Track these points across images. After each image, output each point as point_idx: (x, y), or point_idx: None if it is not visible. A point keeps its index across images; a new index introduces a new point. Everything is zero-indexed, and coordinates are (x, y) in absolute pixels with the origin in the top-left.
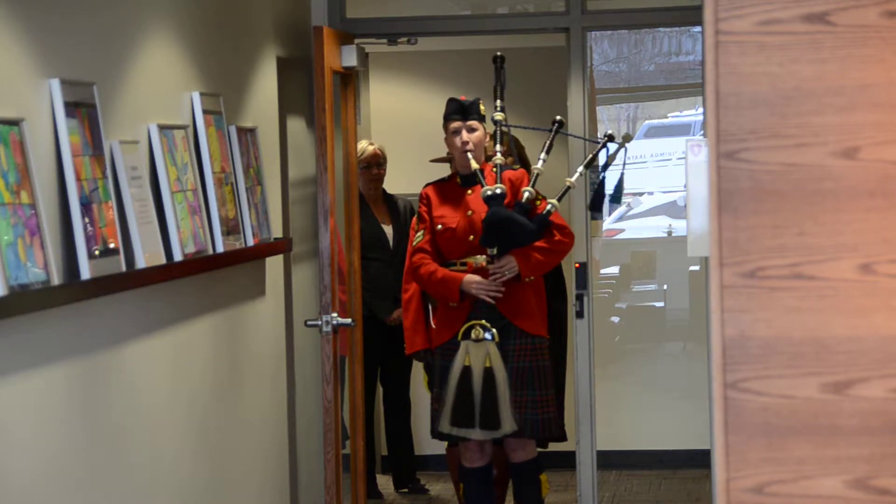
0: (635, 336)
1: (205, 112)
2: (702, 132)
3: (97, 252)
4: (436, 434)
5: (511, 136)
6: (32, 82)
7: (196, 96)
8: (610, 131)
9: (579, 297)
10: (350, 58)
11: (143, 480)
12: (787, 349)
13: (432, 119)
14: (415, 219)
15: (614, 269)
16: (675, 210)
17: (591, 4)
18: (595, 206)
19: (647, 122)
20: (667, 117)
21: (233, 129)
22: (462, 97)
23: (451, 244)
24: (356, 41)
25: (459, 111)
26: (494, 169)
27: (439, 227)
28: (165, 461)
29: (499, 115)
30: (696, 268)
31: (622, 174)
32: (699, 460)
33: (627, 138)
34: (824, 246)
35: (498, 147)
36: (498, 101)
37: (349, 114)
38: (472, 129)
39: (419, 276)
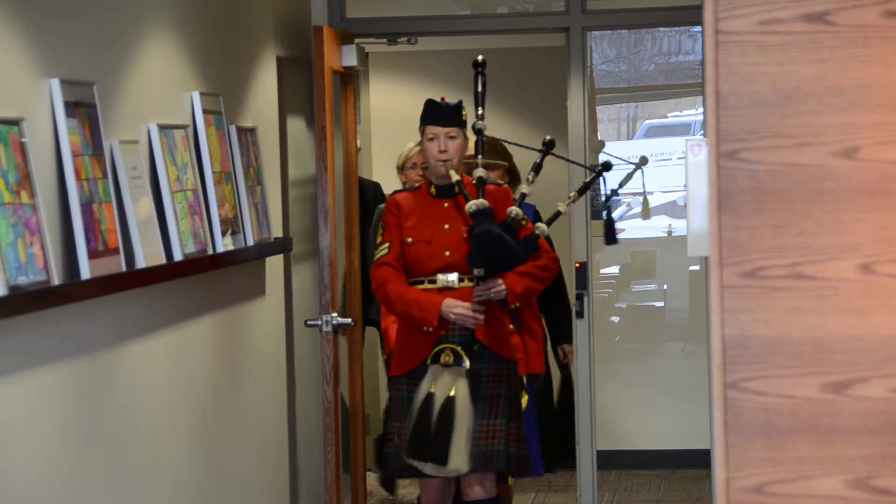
0: (635, 336)
1: (205, 112)
2: (702, 132)
3: (97, 252)
4: (390, 472)
5: (500, 142)
6: (32, 82)
7: (196, 96)
8: (606, 160)
9: (579, 297)
10: (350, 57)
11: (144, 480)
12: (787, 349)
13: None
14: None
15: (614, 269)
16: (675, 210)
17: (591, 4)
18: (610, 238)
19: (647, 121)
20: (667, 117)
21: (233, 129)
22: (442, 97)
23: (423, 259)
24: (356, 41)
25: (438, 115)
26: (475, 182)
27: (410, 239)
28: (165, 461)
29: (480, 124)
30: (697, 268)
31: (610, 216)
32: (699, 460)
33: (644, 161)
34: (824, 246)
35: (479, 159)
36: (479, 109)
37: (349, 113)
38: (451, 137)
39: (386, 295)
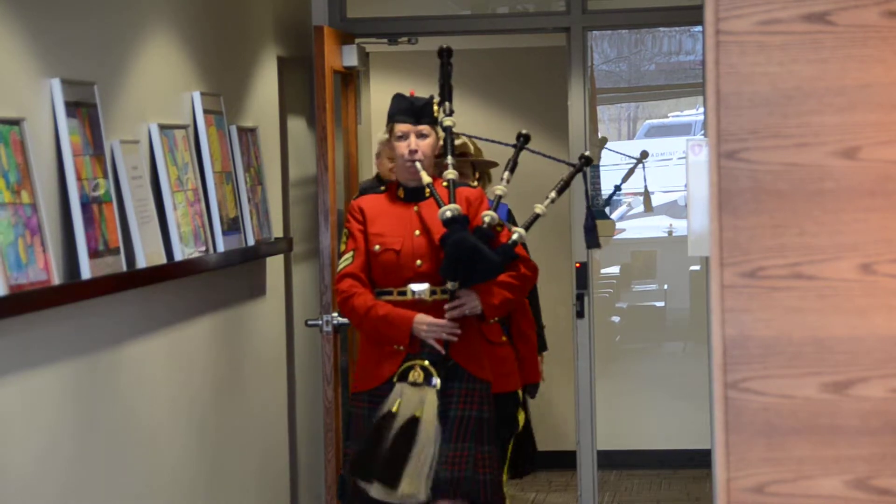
0: (636, 336)
1: (205, 112)
2: (702, 132)
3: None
4: (345, 499)
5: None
6: (33, 82)
7: (197, 96)
8: (587, 152)
9: (580, 297)
10: (351, 57)
11: (144, 479)
12: (788, 349)
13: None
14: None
15: (615, 269)
16: (675, 210)
17: (592, 4)
18: (591, 240)
19: (647, 121)
20: (667, 117)
21: (233, 129)
22: (412, 92)
23: (391, 269)
24: (357, 41)
25: (408, 112)
26: (446, 184)
27: (377, 247)
28: (165, 460)
29: (448, 121)
30: (697, 267)
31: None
32: (699, 460)
33: (645, 155)
34: (824, 246)
35: (449, 159)
36: (446, 104)
37: (350, 113)
38: (422, 135)
39: (352, 309)
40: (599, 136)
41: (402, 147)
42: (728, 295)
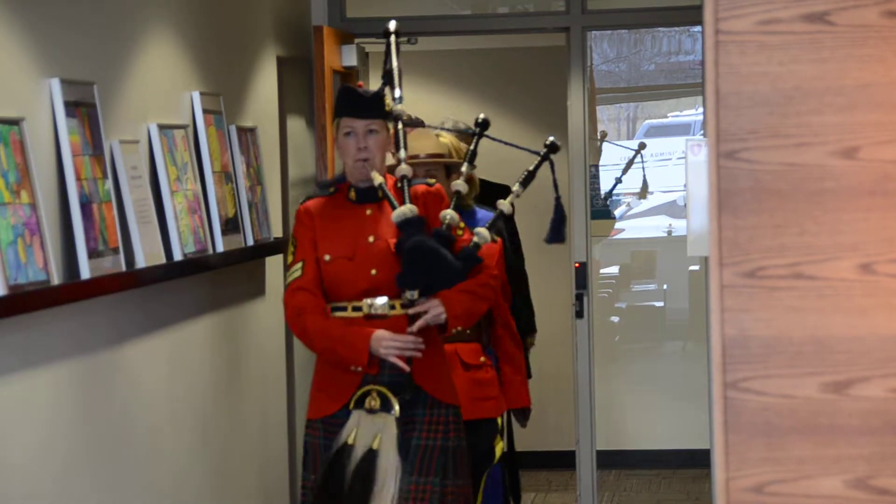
0: (635, 336)
1: (205, 111)
2: (702, 132)
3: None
4: None
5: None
6: (32, 82)
7: (196, 96)
8: (552, 138)
9: (579, 297)
10: (350, 57)
11: (143, 478)
12: (788, 349)
13: (433, 119)
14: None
15: (614, 269)
16: (674, 210)
17: (592, 4)
18: (556, 235)
19: (647, 121)
20: (667, 117)
21: (233, 129)
22: (360, 84)
23: (344, 280)
24: (356, 41)
25: (356, 105)
26: (399, 184)
27: (327, 257)
28: (165, 460)
29: (398, 109)
30: (696, 267)
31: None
32: (699, 460)
33: (643, 146)
34: (824, 245)
35: (401, 153)
36: (397, 90)
37: None
38: (372, 131)
39: (304, 329)
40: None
41: (350, 145)
42: (728, 295)
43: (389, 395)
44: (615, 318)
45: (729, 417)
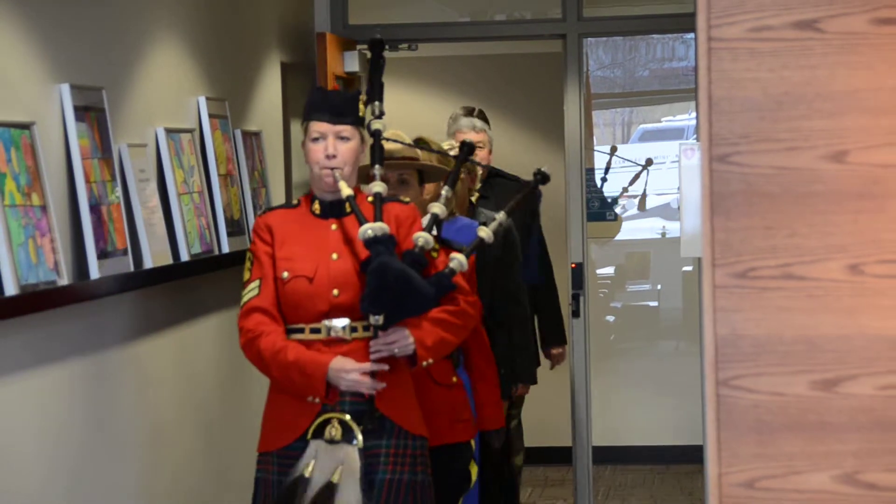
0: (630, 335)
1: (211, 116)
2: (695, 136)
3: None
4: None
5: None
6: (43, 87)
7: (202, 101)
8: (543, 168)
9: (575, 297)
10: (352, 63)
11: (149, 475)
12: (778, 348)
13: (433, 123)
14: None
15: (609, 270)
16: (668, 212)
17: (588, 12)
18: (530, 272)
19: (641, 126)
20: (660, 121)
21: (238, 133)
22: (335, 86)
23: (303, 301)
24: (358, 47)
25: (326, 108)
26: (371, 199)
27: (285, 274)
28: (170, 457)
29: (377, 124)
30: (690, 268)
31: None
32: (692, 455)
33: (649, 162)
34: (814, 247)
35: (377, 169)
36: (376, 104)
37: None
38: (343, 138)
39: (258, 353)
40: (595, 140)
41: (318, 151)
42: (720, 295)
43: (352, 424)
44: (611, 318)
45: (721, 414)
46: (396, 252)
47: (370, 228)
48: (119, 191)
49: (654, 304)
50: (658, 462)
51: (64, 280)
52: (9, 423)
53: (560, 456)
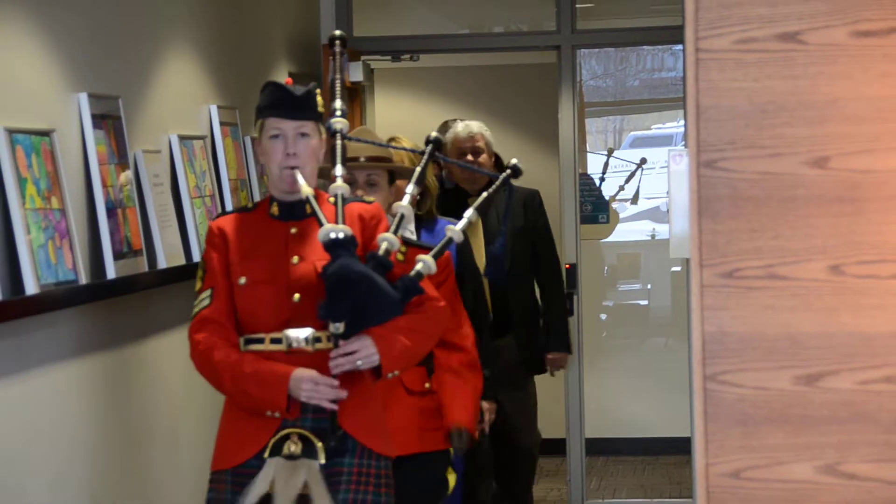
0: (621, 332)
1: (222, 124)
2: (683, 143)
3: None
4: None
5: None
6: (62, 96)
7: (214, 109)
8: (514, 161)
9: (569, 296)
10: (357, 73)
11: (163, 470)
12: (762, 344)
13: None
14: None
15: (602, 270)
16: (658, 215)
17: (581, 24)
18: (496, 270)
19: (632, 133)
20: (650, 129)
21: (248, 140)
22: (288, 80)
23: (262, 308)
24: (362, 58)
25: (284, 104)
26: (332, 199)
27: (242, 280)
28: (183, 452)
29: (339, 123)
30: (678, 269)
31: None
32: (680, 447)
33: (643, 161)
34: (796, 248)
35: (339, 170)
36: (338, 102)
37: (355, 126)
38: (303, 135)
39: (212, 366)
40: (588, 146)
41: (276, 150)
42: (707, 294)
43: (313, 438)
44: (603, 316)
45: (708, 408)
46: (359, 254)
47: (331, 230)
48: (135, 195)
49: (645, 302)
50: (648, 453)
51: (82, 279)
52: (30, 417)
53: (554, 447)
